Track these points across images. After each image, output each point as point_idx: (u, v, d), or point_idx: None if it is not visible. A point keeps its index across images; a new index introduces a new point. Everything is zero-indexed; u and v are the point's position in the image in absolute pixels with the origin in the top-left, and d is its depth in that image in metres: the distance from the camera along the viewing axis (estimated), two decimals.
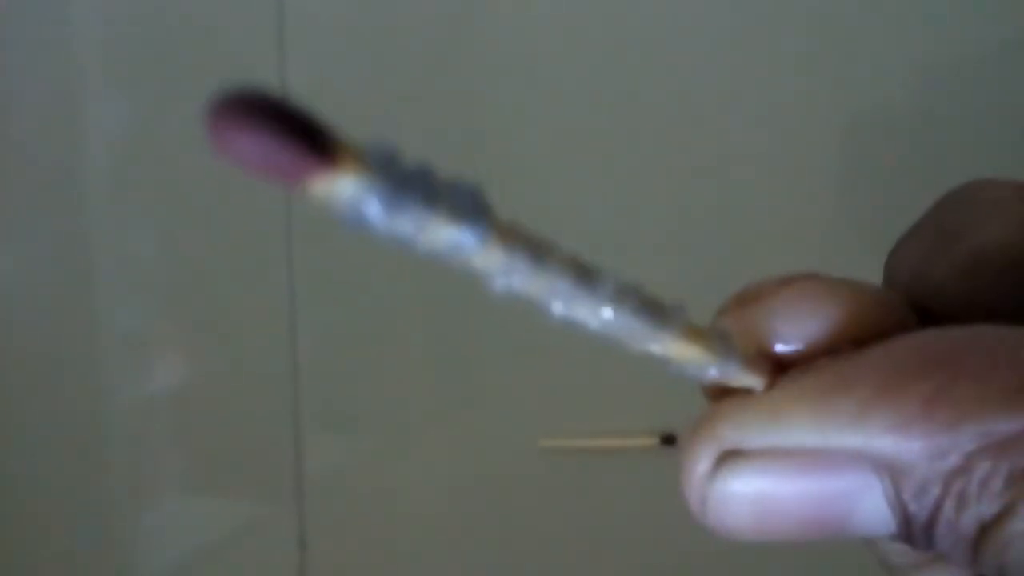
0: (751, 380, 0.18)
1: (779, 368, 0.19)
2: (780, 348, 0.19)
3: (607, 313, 0.16)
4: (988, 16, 0.65)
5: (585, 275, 0.16)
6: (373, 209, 0.13)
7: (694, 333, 0.18)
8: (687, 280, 0.68)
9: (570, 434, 0.73)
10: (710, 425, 0.18)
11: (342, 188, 0.13)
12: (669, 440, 0.72)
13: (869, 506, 0.18)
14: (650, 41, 0.69)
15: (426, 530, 0.75)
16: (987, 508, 0.16)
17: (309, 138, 0.13)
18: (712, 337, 0.18)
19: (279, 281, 0.73)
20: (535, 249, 0.15)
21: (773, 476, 0.18)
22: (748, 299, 0.19)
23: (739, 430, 0.18)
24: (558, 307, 0.16)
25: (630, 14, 0.70)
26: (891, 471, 0.17)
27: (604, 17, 0.70)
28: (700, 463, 0.18)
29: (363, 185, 0.13)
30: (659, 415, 0.71)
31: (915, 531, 0.17)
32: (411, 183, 0.14)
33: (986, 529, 0.16)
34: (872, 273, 0.21)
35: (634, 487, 0.73)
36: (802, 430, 0.18)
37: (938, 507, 0.17)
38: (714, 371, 0.18)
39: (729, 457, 0.18)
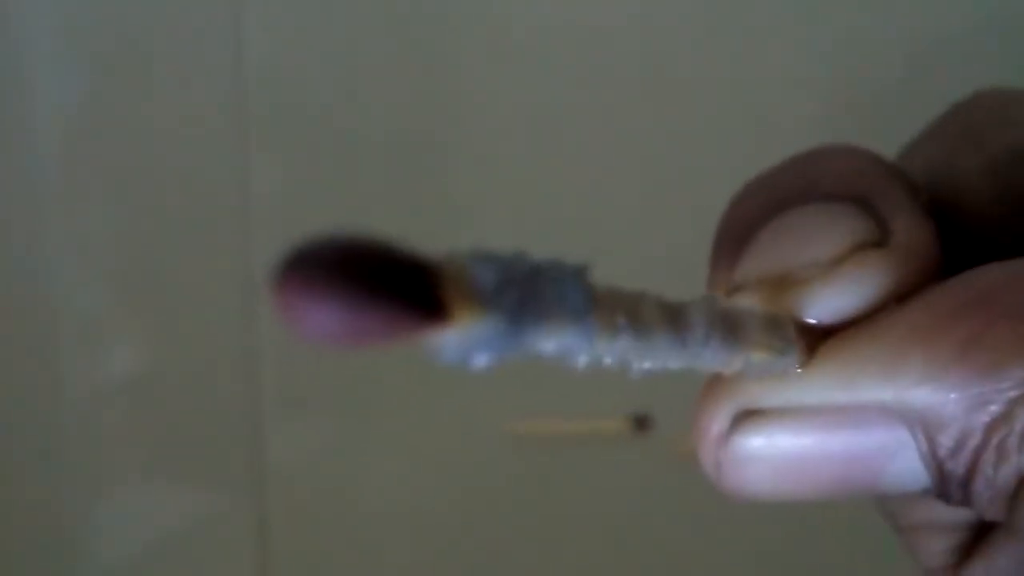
0: (795, 361, 0.17)
1: (813, 337, 0.17)
2: (816, 322, 0.17)
3: (695, 357, 0.15)
4: None
5: (675, 327, 0.15)
6: (485, 355, 0.11)
7: (765, 337, 0.16)
8: (663, 260, 0.67)
9: (538, 417, 0.72)
10: (726, 383, 0.17)
11: (451, 338, 0.11)
12: (642, 422, 0.71)
13: (901, 463, 0.16)
14: (626, 19, 0.67)
15: (392, 519, 0.74)
16: None
17: (409, 291, 0.10)
18: (777, 334, 0.16)
19: (237, 264, 0.71)
20: (634, 322, 0.14)
21: (797, 435, 0.16)
22: (780, 280, 0.17)
23: (758, 387, 0.17)
24: (643, 366, 0.15)
25: None
26: (925, 425, 0.16)
27: None
28: (715, 423, 0.17)
29: (476, 331, 0.11)
30: (632, 397, 0.70)
31: (951, 488, 0.16)
32: (525, 313, 0.11)
33: None
34: None
35: (605, 471, 0.72)
36: (827, 385, 0.16)
37: (976, 461, 0.16)
38: (774, 366, 0.16)
39: (747, 416, 0.17)
